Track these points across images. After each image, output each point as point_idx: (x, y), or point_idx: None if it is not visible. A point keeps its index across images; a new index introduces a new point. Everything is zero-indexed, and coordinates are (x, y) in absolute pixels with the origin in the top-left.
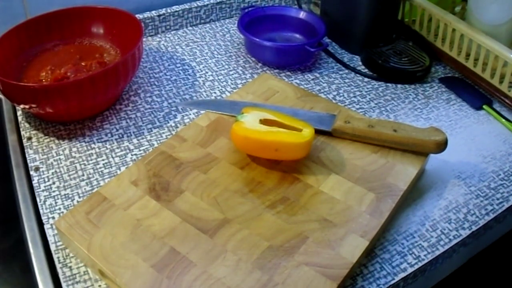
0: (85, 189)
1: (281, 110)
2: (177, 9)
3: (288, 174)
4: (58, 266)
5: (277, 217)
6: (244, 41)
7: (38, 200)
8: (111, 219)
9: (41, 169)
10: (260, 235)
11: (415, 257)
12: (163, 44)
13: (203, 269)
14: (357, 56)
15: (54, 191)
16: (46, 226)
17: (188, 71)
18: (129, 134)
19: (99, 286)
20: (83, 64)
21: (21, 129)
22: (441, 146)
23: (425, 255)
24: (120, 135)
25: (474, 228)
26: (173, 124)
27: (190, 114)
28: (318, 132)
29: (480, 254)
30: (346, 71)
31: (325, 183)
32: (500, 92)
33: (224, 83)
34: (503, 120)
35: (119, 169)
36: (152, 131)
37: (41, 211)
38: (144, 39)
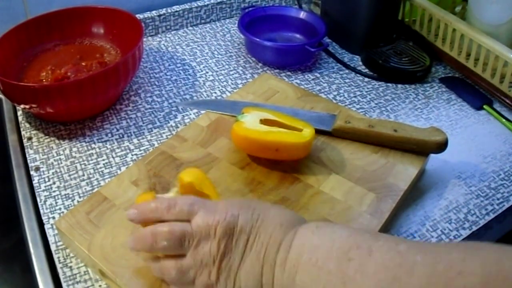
0: (85, 189)
1: (281, 110)
2: (178, 9)
3: (289, 174)
4: (58, 266)
5: None
6: (245, 41)
7: (38, 200)
8: (112, 219)
9: (41, 169)
10: None
11: None
12: (164, 44)
13: None
14: (357, 56)
15: (54, 191)
16: (46, 226)
17: (189, 71)
18: (129, 134)
19: (100, 286)
20: (83, 64)
21: (21, 129)
22: (442, 146)
23: None
24: (121, 135)
25: (474, 228)
26: (173, 124)
27: (191, 114)
28: (318, 132)
29: None
30: (347, 71)
31: (325, 183)
32: (501, 92)
33: (225, 83)
34: (504, 120)
35: (120, 169)
36: (152, 131)
37: (41, 211)
38: (144, 39)
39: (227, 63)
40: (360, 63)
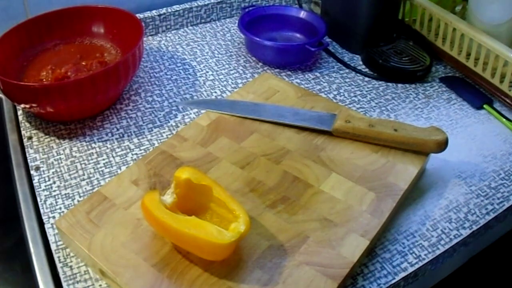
0: (85, 188)
1: (281, 110)
2: (178, 9)
3: (289, 174)
4: (58, 265)
5: (277, 217)
6: (245, 41)
7: (38, 199)
8: (112, 219)
9: (41, 169)
10: (260, 234)
11: (416, 257)
12: (164, 44)
13: (203, 269)
14: (357, 56)
15: (54, 191)
16: (46, 226)
17: (189, 71)
18: (129, 134)
19: (100, 285)
20: (83, 63)
21: (21, 129)
22: (442, 145)
23: (425, 255)
24: (121, 135)
25: (474, 227)
26: (173, 124)
27: (191, 114)
28: (318, 131)
29: (480, 254)
30: (347, 70)
31: (325, 182)
32: (501, 92)
33: (225, 82)
34: (504, 119)
35: (120, 169)
36: (152, 130)
37: (41, 210)
38: (144, 39)
39: (227, 62)
40: (360, 62)
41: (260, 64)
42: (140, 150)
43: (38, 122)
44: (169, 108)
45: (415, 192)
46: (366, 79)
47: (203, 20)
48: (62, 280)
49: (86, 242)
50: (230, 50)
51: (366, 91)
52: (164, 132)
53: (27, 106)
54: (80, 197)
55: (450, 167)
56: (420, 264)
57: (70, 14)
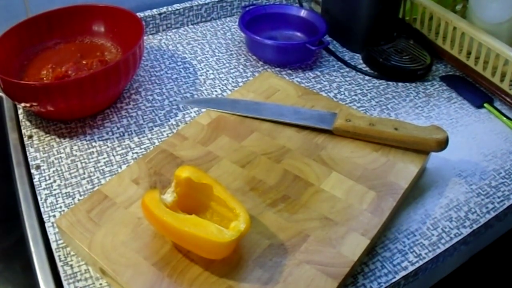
0: (86, 187)
1: (282, 108)
2: (178, 8)
3: (289, 173)
4: (59, 264)
5: (278, 216)
6: (245, 40)
7: (39, 198)
8: (112, 218)
9: (42, 168)
10: (261, 233)
11: (416, 256)
12: (164, 43)
13: (204, 268)
14: (358, 55)
15: (55, 190)
16: (47, 225)
17: (189, 70)
18: (130, 133)
19: (100, 284)
20: (84, 62)
21: (22, 128)
22: (442, 144)
23: (426, 254)
24: (121, 134)
25: (475, 226)
26: (174, 123)
27: (191, 113)
28: (319, 130)
29: (481, 253)
30: (347, 69)
31: (326, 181)
32: (501, 91)
33: (225, 81)
34: (504, 118)
35: (120, 168)
36: (153, 129)
37: (42, 209)
38: (145, 38)
39: (228, 61)
40: (361, 61)
41: (261, 63)
42: (141, 149)
43: (39, 121)
44: (169, 107)
45: (416, 191)
46: (367, 78)
47: (203, 19)
48: (63, 279)
49: (87, 241)
50: (231, 49)
51: (367, 90)
52: (164, 131)
53: (28, 105)
54: (80, 196)
55: (451, 166)
56: (421, 263)
57: (71, 13)
